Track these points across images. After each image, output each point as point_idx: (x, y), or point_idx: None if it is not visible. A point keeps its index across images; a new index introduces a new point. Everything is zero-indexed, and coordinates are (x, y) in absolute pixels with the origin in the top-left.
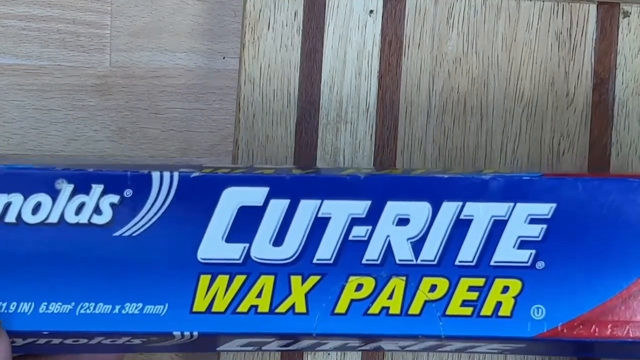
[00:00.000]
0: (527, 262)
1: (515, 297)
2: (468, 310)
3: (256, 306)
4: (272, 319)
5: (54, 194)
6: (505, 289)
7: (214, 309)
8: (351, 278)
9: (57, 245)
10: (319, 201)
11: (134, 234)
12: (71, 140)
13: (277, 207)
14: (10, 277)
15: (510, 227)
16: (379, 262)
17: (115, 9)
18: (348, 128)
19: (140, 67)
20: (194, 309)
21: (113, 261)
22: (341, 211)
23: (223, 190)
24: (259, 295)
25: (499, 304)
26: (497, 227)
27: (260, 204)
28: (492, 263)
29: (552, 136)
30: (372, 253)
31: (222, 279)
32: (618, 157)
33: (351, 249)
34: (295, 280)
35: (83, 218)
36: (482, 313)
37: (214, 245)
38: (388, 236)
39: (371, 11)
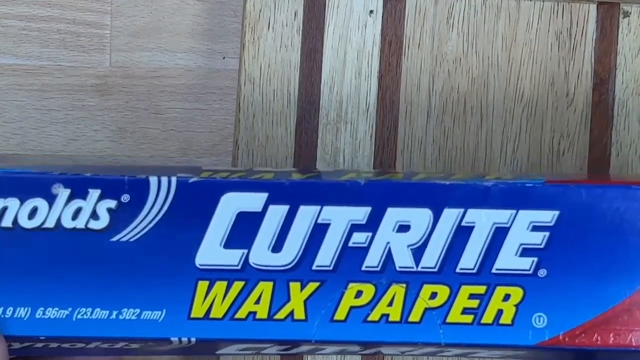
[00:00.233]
0: (529, 270)
1: (516, 305)
2: (469, 318)
3: (254, 312)
4: (270, 325)
5: (51, 199)
6: (507, 297)
7: (212, 315)
8: (351, 285)
9: (54, 250)
10: (318, 207)
11: (132, 239)
12: (71, 140)
13: (276, 213)
14: (6, 282)
15: (513, 235)
16: (379, 268)
17: (115, 9)
18: (348, 128)
19: (140, 67)
20: (192, 315)
21: (110, 266)
22: (341, 217)
23: (221, 196)
24: (257, 302)
25: (500, 312)
26: (499, 235)
27: (259, 209)
28: (493, 270)
29: (552, 136)
30: (372, 260)
31: (221, 285)
32: (618, 157)
33: (351, 256)
34: (294, 286)
35: (80, 223)
36: (482, 321)
37: (212, 251)
38: (388, 243)
39: (371, 11)
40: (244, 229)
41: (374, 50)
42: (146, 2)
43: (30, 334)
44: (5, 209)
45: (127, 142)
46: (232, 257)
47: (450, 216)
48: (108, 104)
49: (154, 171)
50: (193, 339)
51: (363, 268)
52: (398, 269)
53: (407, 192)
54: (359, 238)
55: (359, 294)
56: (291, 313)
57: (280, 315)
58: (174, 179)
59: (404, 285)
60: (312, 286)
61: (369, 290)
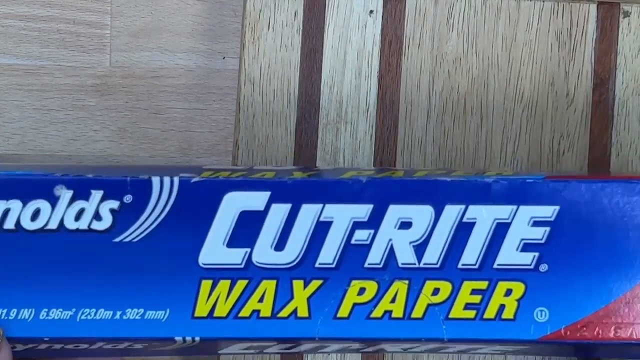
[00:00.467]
0: (530, 265)
1: (518, 300)
2: (471, 314)
3: (258, 311)
4: (274, 323)
5: (53, 200)
6: (509, 292)
7: (215, 314)
8: (353, 282)
9: (57, 252)
10: (320, 205)
11: (135, 240)
12: (71, 140)
13: (279, 212)
14: (10, 283)
15: (514, 230)
16: (381, 265)
17: (115, 9)
18: (348, 128)
19: (140, 67)
20: (196, 314)
21: (113, 267)
22: (343, 215)
23: (224, 195)
24: (260, 300)
25: (502, 307)
26: (500, 230)
27: (262, 208)
28: (495, 266)
29: (552, 136)
30: (375, 257)
31: (224, 284)
32: (618, 157)
33: (353, 253)
34: (297, 284)
35: (83, 224)
36: (485, 316)
37: (215, 250)
38: (390, 240)
39: (371, 11)
40: (247, 228)
41: (374, 50)
42: (146, 2)
43: (35, 335)
44: (7, 210)
45: (127, 142)
46: (235, 256)
47: (451, 212)
48: (108, 104)
49: (156, 171)
50: (197, 338)
51: (366, 265)
52: (400, 265)
53: (408, 189)
54: (361, 235)
55: (361, 291)
56: (294, 311)
57: (284, 313)
58: (176, 179)
59: (407, 281)
60: (315, 284)
61: (371, 287)
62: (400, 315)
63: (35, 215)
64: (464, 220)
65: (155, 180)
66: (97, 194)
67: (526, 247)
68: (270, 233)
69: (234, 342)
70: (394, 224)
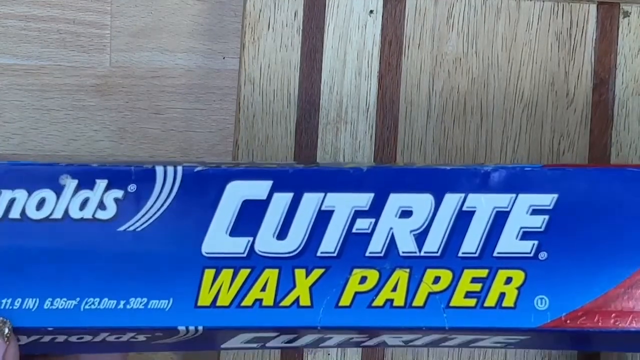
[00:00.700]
0: (529, 253)
1: (518, 288)
2: (472, 302)
3: (261, 300)
4: (276, 312)
5: (58, 190)
6: (509, 280)
7: (218, 303)
8: (355, 271)
9: (62, 241)
10: (322, 194)
11: (138, 229)
12: (71, 140)
13: (281, 201)
14: (14, 273)
15: (513, 218)
16: (382, 254)
17: (115, 9)
18: (348, 128)
19: (140, 67)
20: (199, 304)
21: (117, 256)
22: (344, 204)
23: (227, 184)
24: (263, 289)
25: (502, 295)
26: (500, 219)
27: (264, 197)
28: (495, 254)
29: (552, 136)
30: (376, 245)
31: (227, 273)
32: (618, 157)
33: (355, 242)
34: (300, 273)
35: (87, 213)
36: (485, 304)
37: (218, 239)
38: (391, 228)
39: (371, 11)
40: (250, 217)
41: (374, 50)
42: (146, 2)
43: (39, 325)
44: (13, 200)
45: (127, 142)
46: (238, 245)
47: (451, 201)
48: (108, 104)
49: (159, 162)
50: (200, 328)
51: (367, 254)
52: (401, 254)
53: (408, 178)
54: (362, 224)
55: (363, 279)
56: (297, 300)
57: (286, 302)
58: (179, 169)
59: (408, 270)
60: (317, 272)
61: (373, 275)
62: (402, 303)
63: (41, 204)
64: (464, 208)
65: (159, 170)
66: (101, 183)
67: (525, 235)
68: (273, 222)
69: (236, 333)
70: (394, 212)
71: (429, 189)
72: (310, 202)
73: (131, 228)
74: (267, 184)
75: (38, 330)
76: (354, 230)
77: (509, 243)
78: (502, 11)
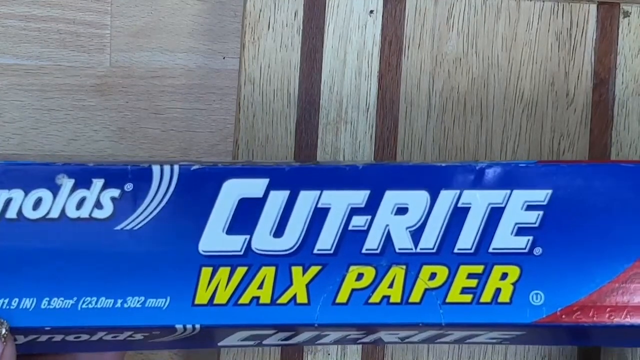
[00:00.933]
0: (524, 249)
1: (513, 284)
2: (468, 298)
3: (258, 297)
4: (273, 310)
5: (55, 189)
6: (504, 276)
7: (215, 301)
8: (351, 268)
9: (59, 240)
10: (318, 192)
11: (135, 228)
12: (71, 140)
13: (277, 199)
14: (11, 273)
15: (508, 214)
16: (378, 251)
17: (115, 9)
18: (348, 128)
19: (140, 67)
20: (196, 302)
21: (114, 255)
22: (340, 201)
23: (223, 183)
24: (260, 287)
25: (498, 291)
26: (495, 215)
27: (260, 195)
28: (490, 250)
29: (552, 136)
30: (372, 242)
31: (224, 271)
32: (618, 157)
33: (351, 239)
34: (296, 270)
35: (84, 213)
36: (481, 300)
37: (215, 237)
38: (387, 225)
39: (371, 11)
40: (246, 215)
41: (374, 50)
42: (146, 2)
43: (36, 324)
44: (9, 200)
45: (127, 142)
46: (235, 243)
47: (446, 198)
48: (108, 104)
49: (156, 161)
50: (197, 326)
51: (363, 251)
52: (397, 250)
53: (404, 175)
54: (358, 221)
55: (359, 276)
56: (294, 297)
57: (283, 299)
58: (176, 167)
59: (404, 266)
60: (313, 270)
61: (369, 272)
62: (398, 300)
63: (37, 204)
64: (459, 205)
65: (156, 169)
66: (98, 183)
67: (520, 231)
68: (269, 220)
69: (233, 330)
70: (390, 209)
71: (425, 185)
72: (307, 199)
73: (128, 227)
74: (264, 182)
75: (35, 329)
76: (350, 228)
77: (504, 239)
78: (502, 11)
